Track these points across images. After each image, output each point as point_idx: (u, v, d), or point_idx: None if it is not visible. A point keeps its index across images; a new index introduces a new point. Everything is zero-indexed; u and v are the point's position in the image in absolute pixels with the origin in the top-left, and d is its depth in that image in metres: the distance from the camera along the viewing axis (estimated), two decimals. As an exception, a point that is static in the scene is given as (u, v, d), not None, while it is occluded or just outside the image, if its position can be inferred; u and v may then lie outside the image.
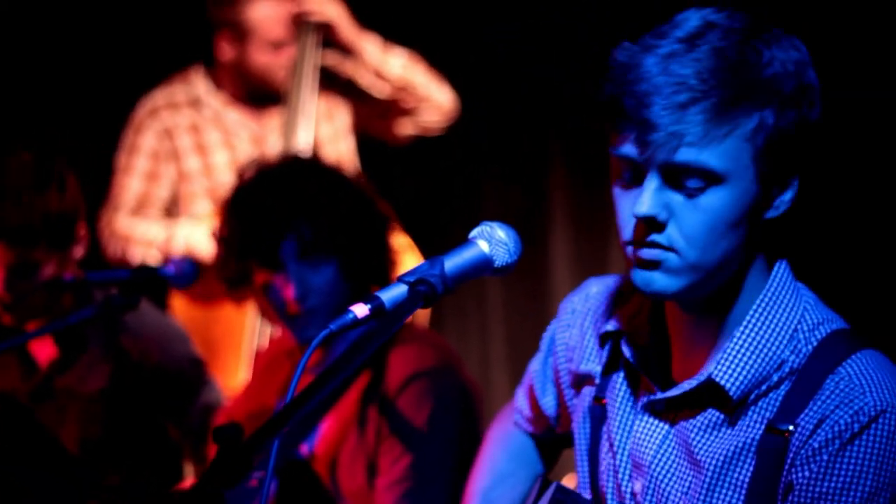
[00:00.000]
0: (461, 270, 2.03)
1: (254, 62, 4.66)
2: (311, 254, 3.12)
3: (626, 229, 2.06)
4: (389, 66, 4.80)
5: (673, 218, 2.02)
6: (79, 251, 3.56)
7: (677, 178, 2.01)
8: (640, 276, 2.06)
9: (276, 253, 3.12)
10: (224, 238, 3.22)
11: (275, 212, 3.13)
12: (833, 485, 2.02)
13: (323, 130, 4.79)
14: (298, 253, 3.12)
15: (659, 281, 2.05)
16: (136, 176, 4.72)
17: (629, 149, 2.02)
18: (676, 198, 2.02)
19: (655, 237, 2.03)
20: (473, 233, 2.07)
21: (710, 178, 2.00)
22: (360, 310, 1.96)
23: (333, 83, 4.82)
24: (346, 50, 4.79)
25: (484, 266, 2.05)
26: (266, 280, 3.16)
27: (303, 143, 4.66)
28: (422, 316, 4.53)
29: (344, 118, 4.85)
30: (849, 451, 2.02)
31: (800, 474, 2.04)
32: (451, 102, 4.87)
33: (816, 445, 2.03)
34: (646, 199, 2.01)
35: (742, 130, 1.99)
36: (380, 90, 4.81)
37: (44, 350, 3.67)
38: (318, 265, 3.13)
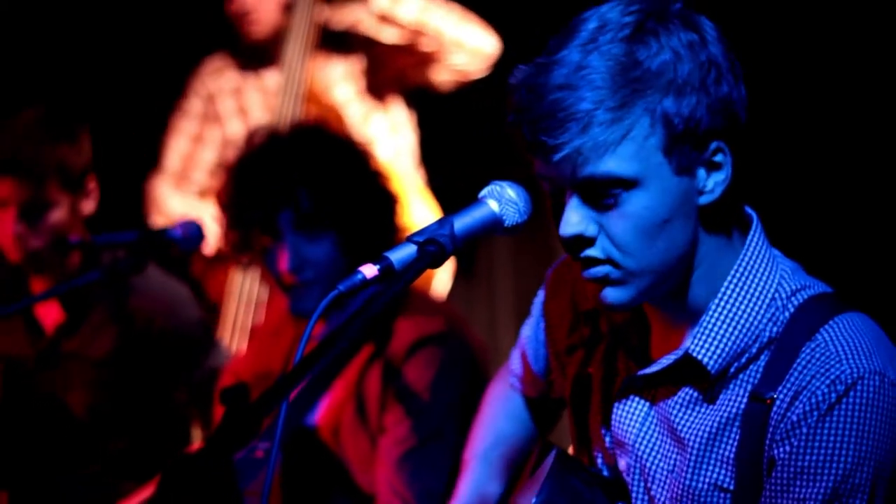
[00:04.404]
0: (471, 230, 2.01)
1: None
2: (309, 225, 3.10)
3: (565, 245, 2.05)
4: (400, 9, 4.63)
5: (602, 230, 2.00)
6: (89, 205, 3.58)
7: (593, 191, 1.98)
8: (595, 295, 2.05)
9: (274, 221, 3.11)
10: (226, 203, 3.21)
11: (277, 180, 3.12)
12: (814, 458, 1.98)
13: (348, 91, 4.68)
14: (296, 223, 3.10)
15: (610, 295, 2.03)
16: (182, 138, 4.70)
17: (542, 171, 2.01)
18: (600, 209, 1.99)
19: (589, 252, 2.01)
20: (483, 192, 2.05)
21: (623, 185, 1.97)
22: (369, 270, 1.93)
23: (338, 43, 4.68)
24: None
25: (494, 225, 2.03)
26: (265, 247, 3.15)
27: (292, 104, 4.57)
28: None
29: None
30: (827, 422, 1.98)
31: (781, 449, 2.00)
32: (488, 45, 4.66)
33: (795, 418, 1.99)
34: (568, 219, 2.00)
35: (639, 130, 1.95)
36: (388, 36, 4.65)
37: (50, 314, 3.66)
38: (316, 237, 3.12)
